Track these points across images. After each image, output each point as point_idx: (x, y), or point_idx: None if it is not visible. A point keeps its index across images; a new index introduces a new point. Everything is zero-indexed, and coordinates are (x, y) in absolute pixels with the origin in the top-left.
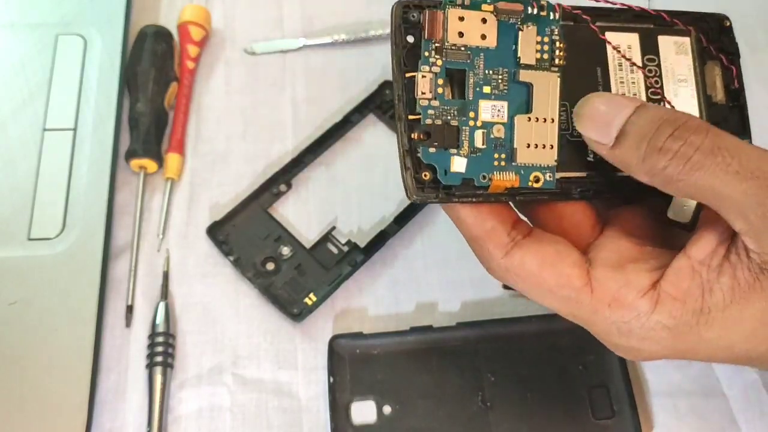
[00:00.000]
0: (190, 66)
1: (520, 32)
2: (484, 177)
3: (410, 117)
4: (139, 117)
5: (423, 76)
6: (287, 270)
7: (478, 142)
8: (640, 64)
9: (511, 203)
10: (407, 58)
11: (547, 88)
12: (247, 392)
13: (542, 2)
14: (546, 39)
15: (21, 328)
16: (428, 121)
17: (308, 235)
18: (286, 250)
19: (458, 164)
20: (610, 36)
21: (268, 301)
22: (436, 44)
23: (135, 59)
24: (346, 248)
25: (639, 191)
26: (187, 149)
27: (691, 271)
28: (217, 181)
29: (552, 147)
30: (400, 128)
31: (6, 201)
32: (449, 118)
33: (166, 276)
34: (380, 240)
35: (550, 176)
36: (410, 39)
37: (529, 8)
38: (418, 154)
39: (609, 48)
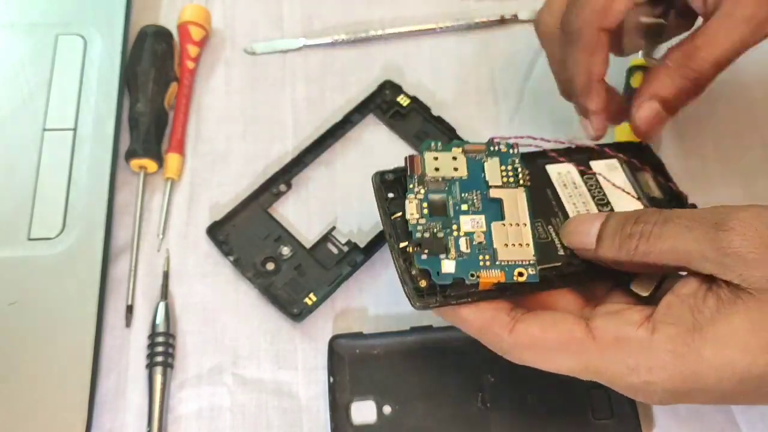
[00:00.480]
0: (190, 66)
1: (485, 164)
2: (472, 275)
3: (401, 245)
4: (139, 117)
5: (410, 202)
6: (287, 270)
7: (464, 247)
8: (582, 183)
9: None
10: (389, 206)
11: (515, 200)
12: (247, 392)
13: (502, 144)
14: (509, 168)
15: (21, 328)
16: (418, 235)
17: (308, 235)
18: (286, 250)
19: (448, 266)
20: (549, 168)
21: (268, 301)
22: (418, 178)
23: (135, 59)
24: (346, 248)
25: (608, 273)
26: (187, 149)
27: (680, 301)
28: (217, 181)
29: (528, 245)
30: (394, 256)
31: (6, 201)
32: (436, 231)
33: (166, 276)
34: (380, 240)
35: (532, 270)
36: (390, 195)
37: (491, 147)
38: (413, 271)
39: (552, 174)
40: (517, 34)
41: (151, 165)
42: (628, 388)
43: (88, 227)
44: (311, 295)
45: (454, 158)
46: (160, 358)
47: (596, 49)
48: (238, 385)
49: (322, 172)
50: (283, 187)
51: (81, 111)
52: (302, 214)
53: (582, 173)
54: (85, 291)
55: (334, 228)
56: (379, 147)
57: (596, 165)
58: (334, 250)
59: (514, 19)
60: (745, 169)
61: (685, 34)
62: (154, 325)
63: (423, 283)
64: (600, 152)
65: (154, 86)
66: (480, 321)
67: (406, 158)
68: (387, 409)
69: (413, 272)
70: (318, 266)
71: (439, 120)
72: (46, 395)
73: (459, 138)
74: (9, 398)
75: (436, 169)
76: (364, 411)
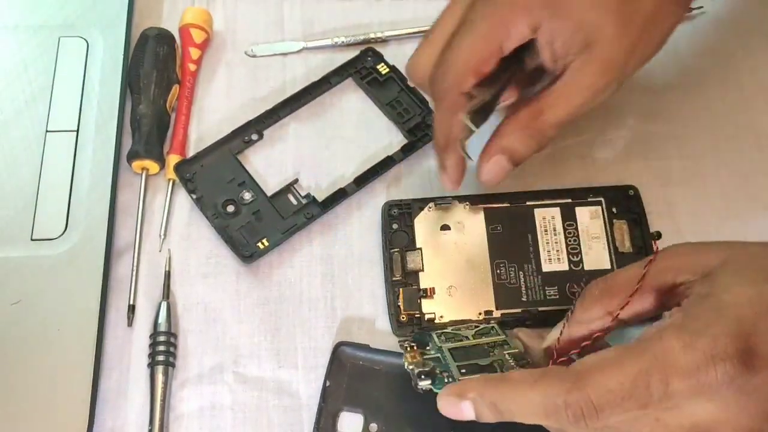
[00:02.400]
0: (191, 68)
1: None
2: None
3: (393, 279)
4: (141, 119)
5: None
6: (246, 214)
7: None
8: (561, 230)
9: None
10: (392, 238)
11: None
12: (248, 391)
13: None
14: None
15: (24, 328)
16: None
17: (271, 185)
18: (247, 195)
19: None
20: (536, 211)
21: (223, 241)
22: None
23: (137, 61)
24: (304, 201)
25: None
26: (189, 150)
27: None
28: None
29: None
30: (386, 285)
31: (9, 202)
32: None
33: (167, 276)
34: (339, 197)
35: None
36: (395, 226)
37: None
38: (398, 303)
39: (536, 219)
40: None
41: (153, 166)
42: None
43: (90, 228)
44: (264, 241)
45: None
46: (161, 358)
47: (456, 110)
48: (239, 383)
49: (294, 127)
50: (254, 136)
51: (83, 113)
52: (269, 164)
53: (564, 221)
54: (88, 291)
55: (296, 181)
56: (353, 110)
57: (581, 212)
58: (294, 201)
59: None
60: (740, 169)
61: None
62: (155, 324)
63: (404, 318)
64: (585, 197)
65: (156, 88)
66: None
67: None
68: (373, 427)
69: (398, 304)
70: (276, 214)
71: (414, 91)
72: (48, 394)
73: (428, 108)
74: (12, 396)
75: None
76: (350, 422)
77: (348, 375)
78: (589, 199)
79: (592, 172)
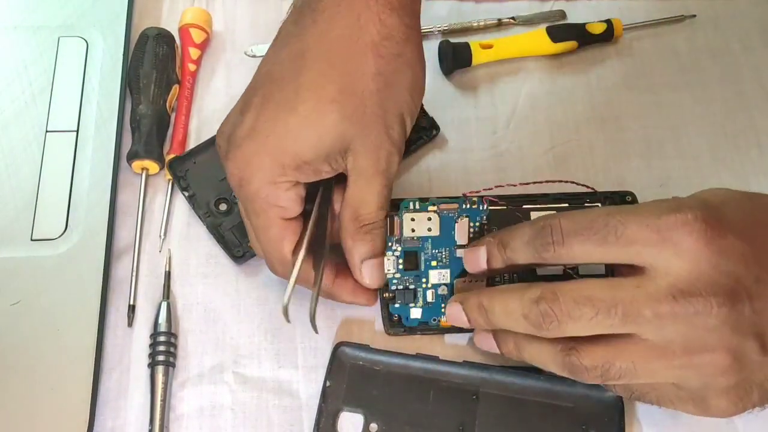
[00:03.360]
0: (191, 68)
1: (456, 223)
2: (434, 320)
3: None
4: (140, 119)
5: (388, 259)
6: (238, 213)
7: (429, 298)
8: None
9: None
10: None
11: None
12: (248, 391)
13: (473, 199)
14: (477, 224)
15: (24, 328)
16: (393, 287)
17: None
18: None
19: (416, 313)
20: (533, 215)
21: (215, 240)
22: (396, 238)
23: (137, 61)
24: None
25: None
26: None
27: None
28: None
29: None
30: (379, 296)
31: (9, 202)
32: (408, 284)
33: (167, 276)
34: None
35: None
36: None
37: (463, 204)
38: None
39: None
40: None
41: (152, 166)
42: None
43: (90, 228)
44: None
45: (429, 219)
46: (161, 358)
47: (303, 276)
48: (239, 383)
49: None
50: None
51: (83, 113)
52: None
53: None
54: (88, 291)
55: None
56: None
57: None
58: None
59: (511, 22)
60: (740, 169)
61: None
62: (156, 324)
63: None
64: (583, 200)
65: (155, 88)
66: None
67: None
68: (373, 427)
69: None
70: None
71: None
72: (48, 394)
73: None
74: (12, 397)
75: (413, 230)
76: (350, 422)
77: (348, 375)
78: (585, 205)
79: (592, 172)
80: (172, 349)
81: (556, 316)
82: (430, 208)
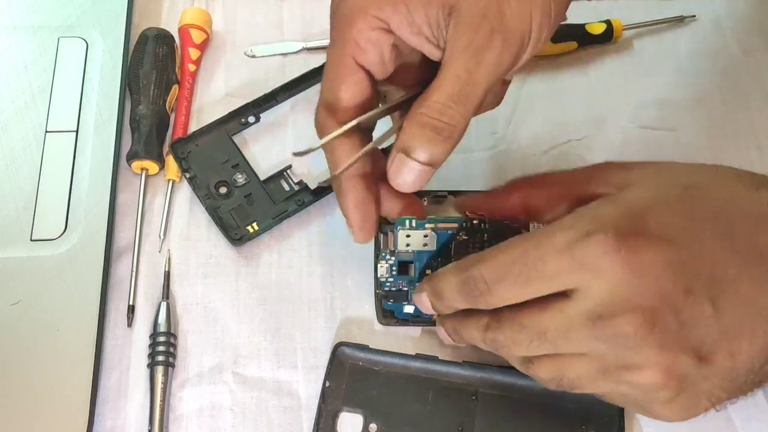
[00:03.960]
0: (191, 69)
1: (453, 243)
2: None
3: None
4: (140, 119)
5: (381, 266)
6: (238, 196)
7: None
8: None
9: None
10: (381, 242)
11: None
12: (247, 391)
13: (474, 221)
14: (478, 244)
15: (24, 328)
16: (386, 289)
17: (265, 168)
18: (240, 178)
19: (408, 308)
20: (531, 224)
21: (213, 222)
22: (390, 250)
23: (136, 62)
24: (297, 187)
25: None
26: None
27: None
28: None
29: None
30: (375, 281)
31: (9, 202)
32: (401, 287)
33: (167, 276)
34: (331, 186)
35: None
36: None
37: (464, 224)
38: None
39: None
40: None
41: (152, 166)
42: None
43: (90, 228)
44: (254, 224)
45: (425, 236)
46: (161, 358)
47: (337, 145)
48: (238, 383)
49: (290, 113)
50: (251, 119)
51: (83, 113)
52: (263, 148)
53: None
54: (87, 291)
55: (290, 166)
56: None
57: None
58: (286, 187)
59: None
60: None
61: None
62: (155, 324)
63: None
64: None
65: (155, 89)
66: None
67: (380, 235)
68: (373, 427)
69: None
70: (267, 199)
71: None
72: (48, 394)
73: None
74: (12, 397)
75: (407, 244)
76: (350, 422)
77: (348, 375)
78: None
79: None
80: (171, 350)
81: (504, 344)
82: (428, 225)
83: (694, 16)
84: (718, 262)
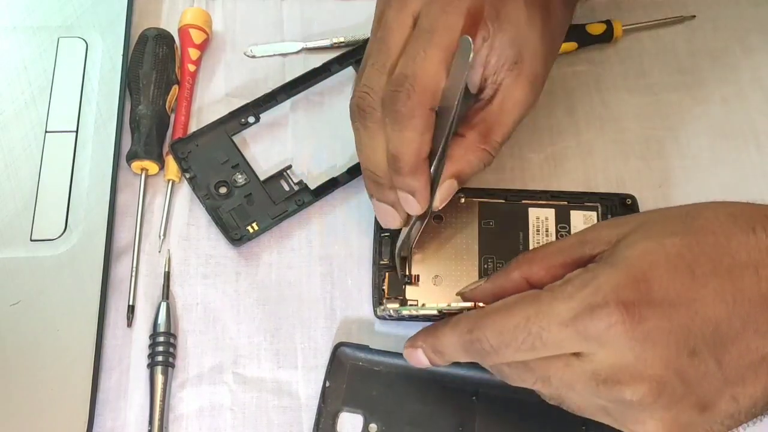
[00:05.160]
0: (191, 69)
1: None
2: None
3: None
4: (140, 119)
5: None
6: (238, 197)
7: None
8: (554, 232)
9: None
10: (380, 243)
11: None
12: (247, 391)
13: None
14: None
15: (23, 329)
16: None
17: (264, 169)
18: (240, 178)
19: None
20: (531, 210)
21: (213, 223)
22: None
23: (136, 62)
24: (296, 187)
25: None
26: None
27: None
28: None
29: None
30: (372, 274)
31: (8, 203)
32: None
33: (167, 276)
34: (331, 186)
35: None
36: (384, 234)
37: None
38: (383, 287)
39: (530, 218)
40: None
41: (152, 167)
42: None
43: (89, 228)
44: (254, 224)
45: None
46: (161, 358)
47: (426, 129)
48: (238, 384)
49: (291, 113)
50: (251, 119)
51: (83, 113)
52: (263, 148)
53: (557, 223)
54: (87, 291)
55: (290, 167)
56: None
57: (575, 215)
58: (286, 187)
59: None
60: (739, 170)
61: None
62: (155, 325)
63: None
64: (582, 201)
65: (155, 89)
66: None
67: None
68: (373, 427)
69: (382, 288)
70: (267, 199)
71: None
72: (48, 394)
73: None
74: (12, 397)
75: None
76: (350, 423)
77: (348, 375)
78: (585, 204)
79: (591, 172)
80: (171, 350)
81: (509, 376)
82: (405, 312)
83: (694, 16)
84: (722, 317)
